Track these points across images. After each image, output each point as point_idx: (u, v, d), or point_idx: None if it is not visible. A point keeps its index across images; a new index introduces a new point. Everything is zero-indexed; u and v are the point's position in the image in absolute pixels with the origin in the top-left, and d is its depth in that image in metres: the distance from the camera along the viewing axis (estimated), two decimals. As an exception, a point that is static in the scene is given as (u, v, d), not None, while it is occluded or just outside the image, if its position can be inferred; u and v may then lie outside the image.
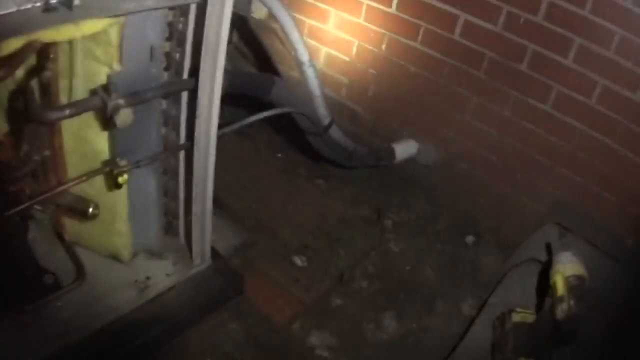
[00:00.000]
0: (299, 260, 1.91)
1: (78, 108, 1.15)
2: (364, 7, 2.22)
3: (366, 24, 2.25)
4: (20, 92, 1.10)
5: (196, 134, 1.38)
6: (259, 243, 1.93)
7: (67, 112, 1.13)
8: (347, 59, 2.38)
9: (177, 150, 1.44)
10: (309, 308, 1.76)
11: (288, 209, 2.12)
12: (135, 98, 1.21)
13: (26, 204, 1.20)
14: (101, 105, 1.17)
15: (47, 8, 1.00)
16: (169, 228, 1.68)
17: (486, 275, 1.96)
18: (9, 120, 1.25)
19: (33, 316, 1.36)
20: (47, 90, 1.15)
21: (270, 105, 1.77)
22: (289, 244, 1.96)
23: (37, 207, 1.31)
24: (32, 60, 1.12)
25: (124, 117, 1.15)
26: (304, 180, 2.31)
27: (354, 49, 2.34)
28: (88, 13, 1.05)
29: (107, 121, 1.24)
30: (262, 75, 2.00)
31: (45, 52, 1.09)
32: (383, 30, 2.21)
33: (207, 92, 1.33)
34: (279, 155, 2.42)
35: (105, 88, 1.17)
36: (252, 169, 2.28)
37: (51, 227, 1.55)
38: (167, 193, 1.60)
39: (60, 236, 1.54)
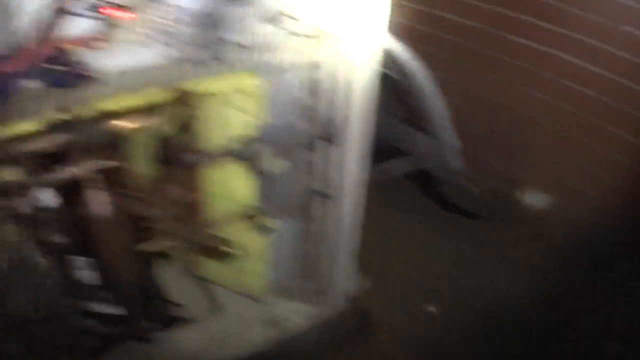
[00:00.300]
0: (429, 307, 1.84)
1: (218, 155, 1.19)
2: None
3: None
4: (164, 138, 1.20)
5: (341, 183, 1.35)
6: (387, 287, 1.86)
7: (207, 157, 1.18)
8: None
9: (322, 200, 1.41)
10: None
11: (417, 255, 2.05)
12: (279, 149, 1.21)
13: (166, 243, 1.28)
14: (245, 154, 1.20)
15: (197, 61, 1.08)
16: (306, 271, 1.67)
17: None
18: (154, 164, 1.35)
19: (162, 346, 1.43)
20: (189, 136, 1.20)
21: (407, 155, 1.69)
22: (418, 289, 1.88)
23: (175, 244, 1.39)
24: (176, 107, 1.20)
25: (268, 166, 1.15)
26: (432, 226, 2.19)
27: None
28: (237, 68, 1.09)
29: (251, 169, 1.28)
30: (403, 127, 1.96)
31: (190, 100, 1.15)
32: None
33: (353, 143, 1.30)
34: (407, 200, 2.33)
35: (249, 137, 1.20)
36: (380, 212, 2.17)
37: (186, 262, 1.65)
38: (308, 239, 1.58)
39: (195, 272, 1.62)
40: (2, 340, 1.17)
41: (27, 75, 0.96)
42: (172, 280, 1.61)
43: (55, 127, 0.94)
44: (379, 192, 2.05)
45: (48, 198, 1.11)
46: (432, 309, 1.83)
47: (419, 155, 1.74)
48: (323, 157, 1.39)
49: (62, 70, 0.98)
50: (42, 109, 0.95)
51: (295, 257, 1.62)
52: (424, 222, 2.19)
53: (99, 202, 1.13)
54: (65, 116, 0.94)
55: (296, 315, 1.61)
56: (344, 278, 1.58)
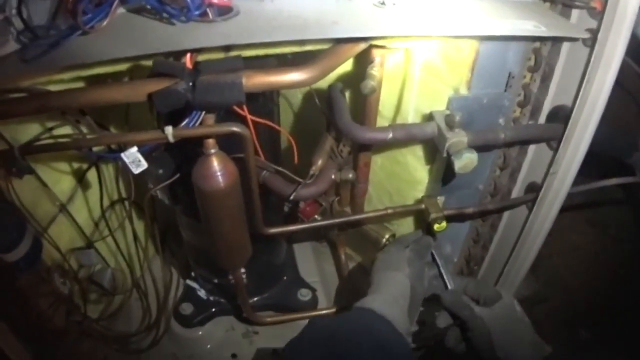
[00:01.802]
0: (583, 332, 1.53)
1: (407, 134, 0.96)
2: None
3: None
4: (337, 101, 0.98)
5: (546, 186, 1.04)
6: (550, 300, 1.58)
7: (391, 135, 0.95)
8: None
9: (516, 204, 1.12)
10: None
11: (589, 270, 1.64)
12: (481, 139, 0.94)
13: (319, 224, 1.10)
14: (437, 138, 0.96)
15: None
16: (465, 271, 1.40)
17: None
18: (311, 136, 1.17)
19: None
20: (365, 105, 1.00)
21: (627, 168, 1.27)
22: (579, 310, 1.55)
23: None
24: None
25: (467, 162, 0.90)
26: (612, 239, 1.70)
27: None
28: (450, 31, 0.85)
29: (438, 153, 1.04)
30: (626, 133, 1.50)
31: (371, 59, 0.94)
32: None
33: (573, 142, 0.96)
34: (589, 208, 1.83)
35: (445, 115, 0.95)
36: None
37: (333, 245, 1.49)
38: (478, 240, 1.31)
39: (338, 255, 1.44)
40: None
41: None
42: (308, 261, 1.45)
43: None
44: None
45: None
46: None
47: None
48: (526, 151, 1.10)
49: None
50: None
51: (458, 257, 1.36)
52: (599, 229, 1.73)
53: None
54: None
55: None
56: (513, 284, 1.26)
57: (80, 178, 1.19)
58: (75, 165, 1.18)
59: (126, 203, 1.26)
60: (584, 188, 1.11)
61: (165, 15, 0.82)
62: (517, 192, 1.15)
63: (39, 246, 1.14)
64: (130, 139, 0.87)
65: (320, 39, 0.82)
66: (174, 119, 0.85)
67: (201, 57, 0.81)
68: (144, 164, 0.89)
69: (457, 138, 0.93)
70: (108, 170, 1.27)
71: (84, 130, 1.05)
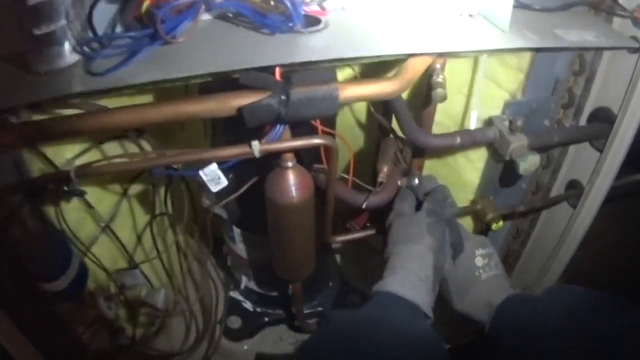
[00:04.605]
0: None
1: (471, 139, 0.99)
2: None
3: None
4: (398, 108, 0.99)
5: (590, 183, 1.11)
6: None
7: (458, 140, 0.98)
8: None
9: (559, 201, 1.18)
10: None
11: (611, 260, 1.71)
12: (537, 142, 0.99)
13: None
14: (498, 142, 1.00)
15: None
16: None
17: None
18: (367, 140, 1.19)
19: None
20: (423, 112, 1.01)
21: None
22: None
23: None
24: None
25: (531, 164, 0.94)
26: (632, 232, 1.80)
27: None
28: (518, 42, 0.88)
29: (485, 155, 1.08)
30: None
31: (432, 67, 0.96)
32: None
33: (617, 142, 1.03)
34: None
35: (508, 120, 0.99)
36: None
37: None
38: (517, 236, 1.36)
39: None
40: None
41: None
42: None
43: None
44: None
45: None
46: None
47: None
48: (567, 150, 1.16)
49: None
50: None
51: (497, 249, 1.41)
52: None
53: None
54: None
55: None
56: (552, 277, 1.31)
57: (123, 196, 1.14)
58: (118, 183, 1.13)
59: (174, 220, 1.21)
60: (622, 182, 1.20)
61: (258, 25, 0.80)
62: (556, 189, 1.22)
63: (85, 273, 1.09)
64: (212, 155, 0.85)
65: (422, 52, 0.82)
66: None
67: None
68: (224, 182, 0.87)
69: (519, 142, 0.97)
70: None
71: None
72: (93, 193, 1.08)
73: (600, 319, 0.70)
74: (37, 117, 0.80)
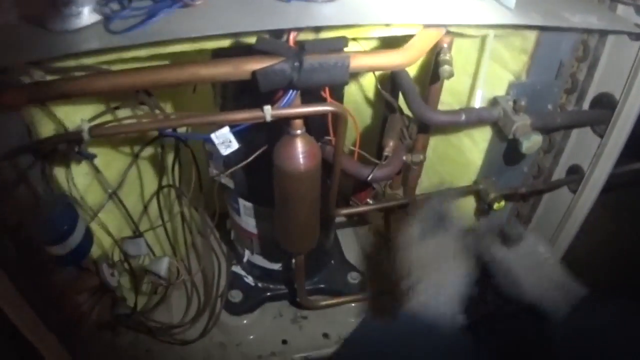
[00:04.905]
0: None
1: (477, 117, 1.01)
2: None
3: None
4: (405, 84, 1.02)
5: (591, 167, 1.13)
6: None
7: (463, 117, 1.01)
8: None
9: (561, 184, 1.20)
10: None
11: (607, 250, 1.68)
12: (540, 122, 1.01)
13: (386, 204, 1.14)
14: (502, 121, 1.02)
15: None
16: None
17: None
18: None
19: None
20: (430, 90, 1.05)
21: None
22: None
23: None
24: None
25: (534, 143, 0.96)
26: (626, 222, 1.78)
27: None
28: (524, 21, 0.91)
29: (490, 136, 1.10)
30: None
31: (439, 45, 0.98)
32: None
33: (618, 127, 1.05)
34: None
35: (512, 100, 1.01)
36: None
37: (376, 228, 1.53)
38: (519, 216, 1.38)
39: (384, 236, 1.48)
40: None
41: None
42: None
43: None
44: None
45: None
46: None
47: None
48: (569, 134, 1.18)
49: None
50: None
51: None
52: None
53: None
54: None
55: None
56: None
57: (132, 161, 1.15)
58: (127, 148, 1.14)
59: (180, 193, 1.22)
60: (622, 170, 1.22)
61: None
62: (558, 174, 1.24)
63: (90, 239, 1.10)
64: (225, 118, 0.86)
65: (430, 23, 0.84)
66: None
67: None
68: (235, 145, 0.89)
69: (523, 121, 1.00)
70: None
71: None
72: (102, 159, 1.09)
73: None
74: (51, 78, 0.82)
